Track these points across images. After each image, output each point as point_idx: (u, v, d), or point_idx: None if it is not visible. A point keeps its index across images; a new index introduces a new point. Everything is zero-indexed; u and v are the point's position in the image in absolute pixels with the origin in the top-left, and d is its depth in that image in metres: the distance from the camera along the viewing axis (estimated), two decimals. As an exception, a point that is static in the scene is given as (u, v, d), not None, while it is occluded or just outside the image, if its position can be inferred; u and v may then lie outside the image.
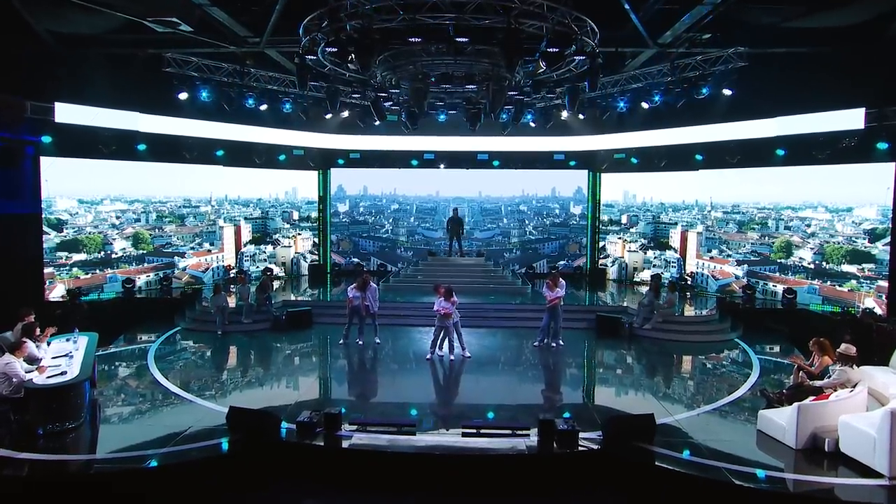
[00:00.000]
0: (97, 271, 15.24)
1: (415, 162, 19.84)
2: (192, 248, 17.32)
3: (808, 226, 15.24)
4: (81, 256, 15.03)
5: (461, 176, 20.29)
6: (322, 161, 20.14)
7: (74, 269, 14.81)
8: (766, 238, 16.10)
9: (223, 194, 18.37)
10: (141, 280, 15.92)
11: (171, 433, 7.47)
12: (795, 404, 7.27)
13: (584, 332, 13.50)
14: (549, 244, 20.39)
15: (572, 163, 19.80)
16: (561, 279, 12.29)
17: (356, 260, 20.36)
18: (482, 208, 20.96)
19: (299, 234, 20.14)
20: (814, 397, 7.59)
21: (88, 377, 8.08)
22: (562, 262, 19.93)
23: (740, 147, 15.53)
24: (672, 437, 7.57)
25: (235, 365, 11.83)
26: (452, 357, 11.18)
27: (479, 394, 9.80)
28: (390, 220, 20.85)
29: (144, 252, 16.25)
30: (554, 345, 12.18)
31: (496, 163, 19.80)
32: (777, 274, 15.64)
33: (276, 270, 19.09)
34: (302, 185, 20.29)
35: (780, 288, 15.28)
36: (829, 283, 14.46)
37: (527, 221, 20.64)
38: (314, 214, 20.46)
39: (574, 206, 20.37)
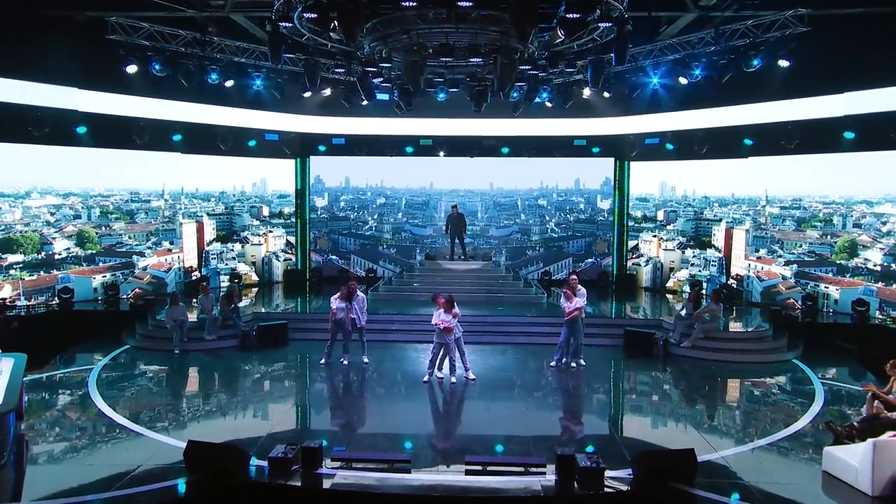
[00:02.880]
0: (42, 272, 15.30)
1: (409, 149, 19.84)
2: (150, 248, 17.39)
3: (885, 223, 15.17)
4: (18, 257, 15.06)
5: (465, 165, 20.28)
6: (300, 147, 20.13)
7: (12, 271, 14.83)
8: (828, 237, 16.06)
9: (179, 186, 18.35)
10: (97, 280, 16.10)
11: (117, 474, 7.37)
12: (870, 441, 7.14)
13: (611, 349, 13.46)
14: (574, 242, 20.45)
15: (596, 149, 19.78)
16: (580, 286, 12.21)
17: (335, 258, 20.36)
18: (496, 203, 20.98)
19: (270, 231, 20.13)
20: (893, 432, 7.48)
21: (14, 408, 7.98)
22: (589, 261, 19.97)
23: (800, 129, 15.47)
24: (717, 477, 7.50)
25: (196, 390, 11.79)
26: (454, 379, 11.12)
27: (486, 423, 9.76)
28: (375, 216, 20.86)
29: (93, 252, 16.30)
30: (574, 365, 12.13)
31: (505, 150, 19.80)
32: (829, 275, 15.66)
33: (246, 270, 19.08)
34: (272, 175, 20.32)
35: (832, 289, 15.28)
36: (894, 285, 14.47)
37: (547, 217, 20.67)
38: (287, 210, 20.45)
39: (602, 199, 20.43)
